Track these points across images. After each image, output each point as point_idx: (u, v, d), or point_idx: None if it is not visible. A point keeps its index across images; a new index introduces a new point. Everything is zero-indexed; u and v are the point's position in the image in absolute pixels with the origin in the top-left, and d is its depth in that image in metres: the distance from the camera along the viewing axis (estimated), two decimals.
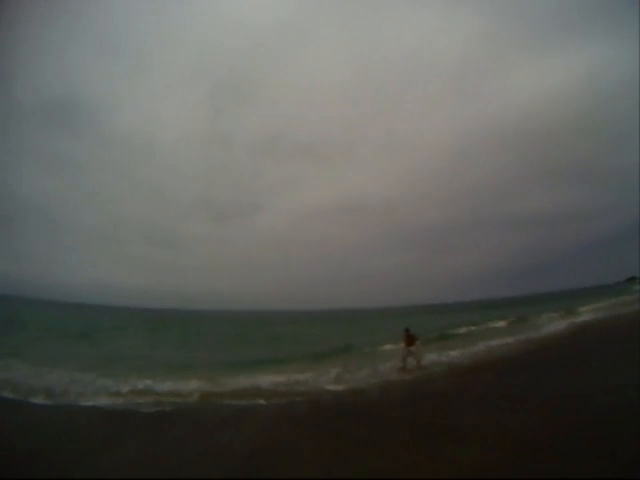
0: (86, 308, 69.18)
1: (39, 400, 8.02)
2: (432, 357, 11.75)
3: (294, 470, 4.30)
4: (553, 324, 19.07)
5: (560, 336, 14.78)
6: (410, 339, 10.72)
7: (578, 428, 4.76)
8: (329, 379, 9.64)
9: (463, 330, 19.37)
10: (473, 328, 20.09)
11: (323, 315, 72.23)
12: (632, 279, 72.30)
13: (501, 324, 21.15)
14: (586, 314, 22.65)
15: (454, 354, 12.23)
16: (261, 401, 7.76)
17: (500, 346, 13.21)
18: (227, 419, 6.88)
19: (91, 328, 24.50)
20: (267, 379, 9.89)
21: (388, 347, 14.11)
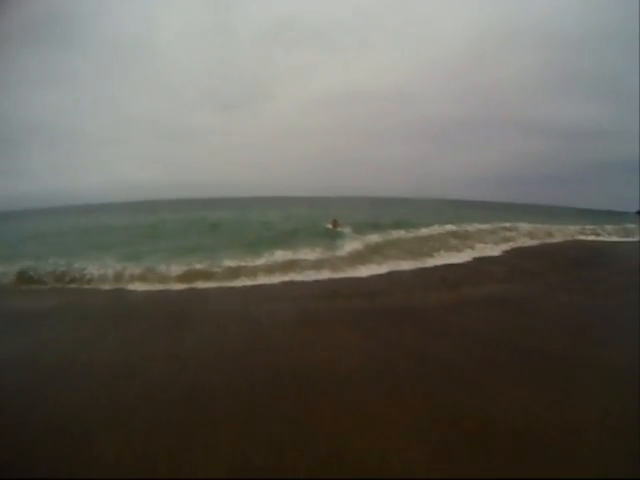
0: (104, 207, 69.13)
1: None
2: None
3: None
4: None
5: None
6: (335, 224, 18.41)
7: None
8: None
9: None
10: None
11: (333, 201, 74.21)
12: None
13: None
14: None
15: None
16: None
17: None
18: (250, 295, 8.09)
19: (114, 225, 25.08)
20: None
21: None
